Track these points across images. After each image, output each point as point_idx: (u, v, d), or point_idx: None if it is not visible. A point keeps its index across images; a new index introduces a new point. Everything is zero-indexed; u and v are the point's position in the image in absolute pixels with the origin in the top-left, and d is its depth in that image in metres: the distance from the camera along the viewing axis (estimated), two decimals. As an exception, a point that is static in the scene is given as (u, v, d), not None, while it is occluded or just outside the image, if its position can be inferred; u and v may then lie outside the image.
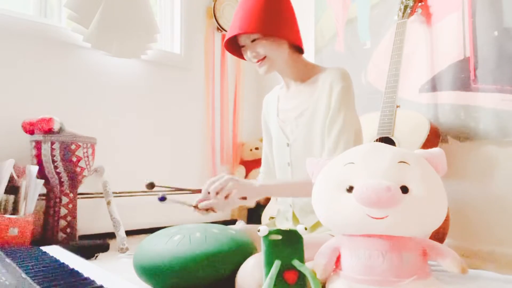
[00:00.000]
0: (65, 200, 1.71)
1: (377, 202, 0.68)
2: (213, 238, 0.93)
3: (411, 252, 0.72)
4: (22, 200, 1.53)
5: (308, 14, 2.41)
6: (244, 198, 1.08)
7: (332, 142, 1.07)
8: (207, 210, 1.15)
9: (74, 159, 1.69)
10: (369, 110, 1.84)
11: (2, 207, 1.49)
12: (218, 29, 2.57)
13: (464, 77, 1.67)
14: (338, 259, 0.78)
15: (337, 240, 0.79)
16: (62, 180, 1.69)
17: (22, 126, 1.69)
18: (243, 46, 1.15)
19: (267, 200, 2.24)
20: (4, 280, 0.79)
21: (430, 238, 0.95)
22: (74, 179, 1.73)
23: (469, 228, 1.64)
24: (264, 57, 1.11)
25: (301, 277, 0.76)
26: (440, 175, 0.76)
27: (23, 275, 0.84)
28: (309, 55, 2.36)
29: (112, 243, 1.74)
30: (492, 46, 1.59)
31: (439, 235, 1.46)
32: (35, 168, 1.58)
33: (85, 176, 1.78)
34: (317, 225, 1.12)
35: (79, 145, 1.71)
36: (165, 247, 0.91)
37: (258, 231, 0.77)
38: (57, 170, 1.66)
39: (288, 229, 0.79)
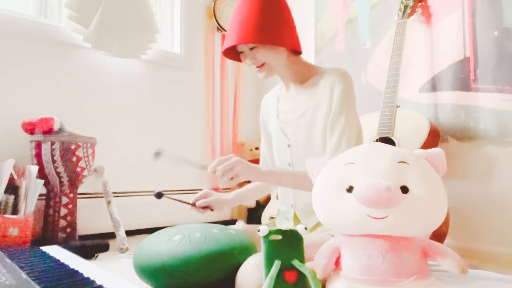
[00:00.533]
0: (65, 200, 1.71)
1: (377, 202, 0.68)
2: (213, 238, 0.93)
3: (411, 252, 0.72)
4: (22, 200, 1.53)
5: (308, 14, 2.41)
6: (249, 182, 1.06)
7: (334, 143, 1.07)
8: (204, 208, 1.15)
9: (74, 159, 1.69)
10: (369, 110, 1.84)
11: (2, 207, 1.49)
12: (218, 29, 2.57)
13: (464, 77, 1.67)
14: (338, 259, 0.78)
15: (337, 240, 0.79)
16: (62, 180, 1.69)
17: (22, 126, 1.69)
18: (241, 52, 1.15)
19: (267, 200, 2.24)
20: (4, 280, 0.79)
21: (430, 238, 0.95)
22: (74, 179, 1.73)
23: (469, 228, 1.64)
24: (263, 64, 1.11)
25: (301, 277, 0.76)
26: (440, 175, 0.76)
27: (23, 275, 0.84)
28: (309, 55, 2.36)
29: (112, 243, 1.74)
30: (492, 46, 1.59)
31: (439, 235, 1.46)
32: (35, 168, 1.58)
33: (85, 176, 1.78)
34: (318, 226, 1.12)
35: (79, 145, 1.71)
36: (165, 247, 0.91)
37: (258, 231, 0.77)
38: (57, 170, 1.66)
39: (288, 229, 0.79)
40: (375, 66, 2.02)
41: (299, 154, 1.16)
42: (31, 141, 1.69)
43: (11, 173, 1.53)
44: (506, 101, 1.54)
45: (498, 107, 1.56)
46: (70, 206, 1.72)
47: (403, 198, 0.69)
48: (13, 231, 1.42)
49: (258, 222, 2.16)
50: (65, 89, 1.94)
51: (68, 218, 1.70)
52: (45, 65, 1.88)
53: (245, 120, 2.74)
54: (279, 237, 0.78)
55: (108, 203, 1.88)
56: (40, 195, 1.63)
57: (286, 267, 0.76)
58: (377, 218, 0.69)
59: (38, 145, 1.66)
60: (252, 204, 2.37)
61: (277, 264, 0.75)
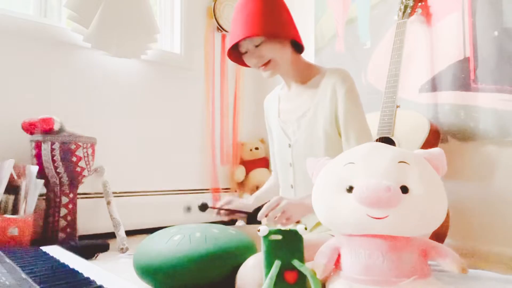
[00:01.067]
0: (65, 200, 1.71)
1: (377, 202, 0.68)
2: (213, 238, 0.93)
3: (411, 252, 0.72)
4: (22, 200, 1.53)
5: (308, 14, 2.41)
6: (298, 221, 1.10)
7: (354, 140, 1.09)
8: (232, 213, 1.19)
9: (74, 159, 1.69)
10: (369, 110, 1.83)
11: (2, 207, 1.49)
12: (218, 29, 2.57)
13: (464, 77, 1.67)
14: (338, 259, 0.78)
15: (337, 240, 0.79)
16: (62, 180, 1.69)
17: (22, 126, 1.69)
18: (245, 53, 1.14)
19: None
20: (4, 280, 0.79)
21: (430, 238, 0.95)
22: (74, 179, 1.73)
23: (469, 228, 1.64)
24: (269, 61, 1.11)
25: (301, 277, 0.76)
26: (440, 175, 0.76)
27: (23, 275, 0.84)
28: (309, 55, 2.36)
29: (112, 243, 1.74)
30: (492, 46, 1.59)
31: (439, 235, 1.46)
32: (35, 168, 1.58)
33: (85, 176, 1.78)
34: (318, 226, 1.12)
35: (79, 145, 1.71)
36: (165, 247, 0.91)
37: (258, 231, 0.77)
38: (57, 170, 1.66)
39: (288, 229, 0.79)
40: (375, 66, 2.02)
41: (300, 154, 1.16)
42: (31, 141, 1.69)
43: (11, 173, 1.53)
44: (506, 101, 1.54)
45: (498, 107, 1.56)
46: (70, 206, 1.72)
47: (403, 198, 0.69)
48: (13, 231, 1.42)
49: (258, 222, 2.16)
50: (65, 89, 1.94)
51: (68, 218, 1.70)
52: (45, 65, 1.88)
53: (245, 120, 2.74)
54: (279, 237, 0.78)
55: (108, 203, 1.88)
56: (40, 195, 1.63)
57: (286, 267, 0.76)
58: (377, 218, 0.69)
59: (38, 145, 1.65)
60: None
61: (277, 264, 0.75)
